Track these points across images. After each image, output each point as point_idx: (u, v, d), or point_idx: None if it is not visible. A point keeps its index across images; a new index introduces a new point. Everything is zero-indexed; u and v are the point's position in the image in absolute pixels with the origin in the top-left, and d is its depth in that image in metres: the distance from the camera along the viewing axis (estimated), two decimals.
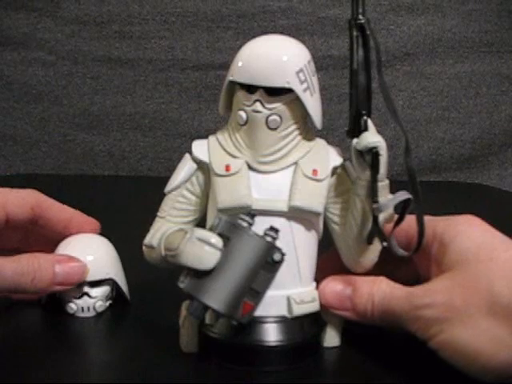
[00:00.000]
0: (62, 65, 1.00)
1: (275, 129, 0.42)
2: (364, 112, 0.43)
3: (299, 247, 0.43)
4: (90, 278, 0.49)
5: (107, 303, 0.51)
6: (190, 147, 0.45)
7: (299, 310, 0.43)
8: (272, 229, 0.40)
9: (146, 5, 0.98)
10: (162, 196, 0.46)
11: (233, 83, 0.43)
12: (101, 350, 0.46)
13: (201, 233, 0.40)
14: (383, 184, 0.42)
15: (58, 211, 0.52)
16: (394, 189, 0.42)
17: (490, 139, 1.02)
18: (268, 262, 0.40)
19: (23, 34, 0.99)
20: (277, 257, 0.40)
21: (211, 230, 0.40)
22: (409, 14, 0.99)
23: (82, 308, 0.49)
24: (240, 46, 0.45)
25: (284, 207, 0.42)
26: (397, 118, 0.41)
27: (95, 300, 0.50)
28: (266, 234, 0.40)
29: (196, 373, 0.43)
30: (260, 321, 0.42)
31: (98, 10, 0.98)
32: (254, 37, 0.45)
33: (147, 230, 0.45)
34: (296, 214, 0.42)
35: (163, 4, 0.98)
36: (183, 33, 0.98)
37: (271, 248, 0.40)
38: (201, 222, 0.45)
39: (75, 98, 1.01)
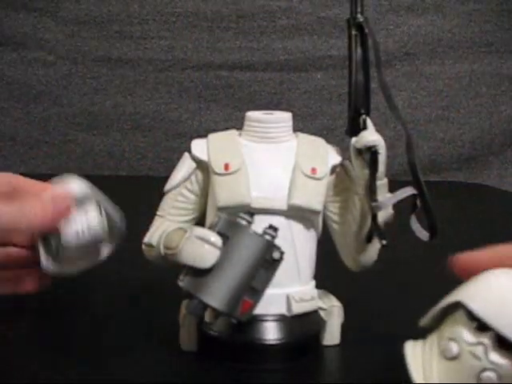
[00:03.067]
0: (62, 65, 1.00)
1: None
2: (363, 111, 0.43)
3: (298, 245, 0.43)
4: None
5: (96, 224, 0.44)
6: (190, 147, 0.45)
7: (298, 308, 0.43)
8: (271, 227, 0.40)
9: (145, 5, 0.98)
10: (161, 195, 0.46)
11: None
12: (100, 350, 0.46)
13: (200, 231, 0.40)
14: (382, 183, 0.42)
15: (34, 183, 0.47)
16: (394, 188, 0.42)
17: (490, 139, 1.03)
18: (267, 261, 0.40)
19: (23, 34, 0.99)
20: (276, 255, 0.40)
21: (210, 228, 0.40)
22: (409, 14, 0.99)
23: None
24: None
25: (283, 206, 0.42)
26: (397, 114, 0.41)
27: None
28: (265, 233, 0.40)
29: (196, 371, 0.43)
30: (259, 319, 0.42)
31: (98, 10, 0.98)
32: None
33: (147, 230, 0.45)
34: (295, 213, 0.42)
35: (163, 4, 0.98)
36: (183, 33, 0.99)
37: (270, 246, 0.40)
38: (200, 221, 0.45)
39: (75, 98, 1.01)
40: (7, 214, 0.42)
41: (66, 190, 0.44)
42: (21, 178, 0.48)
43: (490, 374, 0.33)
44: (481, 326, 0.33)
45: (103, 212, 0.44)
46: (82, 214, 0.43)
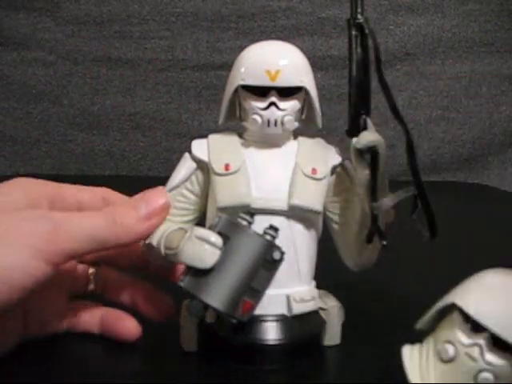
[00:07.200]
0: (62, 65, 1.00)
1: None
2: (363, 111, 0.43)
3: (299, 246, 0.43)
4: (282, 83, 0.42)
5: (296, 123, 0.44)
6: (190, 147, 0.45)
7: (299, 308, 0.43)
8: (271, 227, 0.40)
9: (145, 5, 0.99)
10: None
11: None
12: (100, 350, 0.46)
13: (200, 231, 0.40)
14: (382, 183, 0.42)
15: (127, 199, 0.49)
16: (394, 188, 0.42)
17: (490, 139, 1.03)
18: (267, 261, 0.40)
19: (23, 34, 0.99)
20: (276, 255, 0.40)
21: (211, 228, 0.40)
22: (409, 14, 0.99)
23: (269, 121, 0.43)
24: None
25: (284, 206, 0.42)
26: (398, 115, 0.41)
27: (284, 113, 0.43)
28: (265, 233, 0.40)
29: (196, 371, 0.43)
30: (260, 319, 0.42)
31: (98, 10, 0.98)
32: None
33: None
34: (295, 213, 0.42)
35: (163, 4, 0.98)
36: (183, 33, 0.99)
37: (270, 247, 0.40)
38: (201, 221, 0.45)
39: (75, 98, 1.01)
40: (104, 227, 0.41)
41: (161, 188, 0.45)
42: (114, 193, 0.49)
43: (486, 375, 0.33)
44: (476, 327, 0.33)
45: None
46: None
